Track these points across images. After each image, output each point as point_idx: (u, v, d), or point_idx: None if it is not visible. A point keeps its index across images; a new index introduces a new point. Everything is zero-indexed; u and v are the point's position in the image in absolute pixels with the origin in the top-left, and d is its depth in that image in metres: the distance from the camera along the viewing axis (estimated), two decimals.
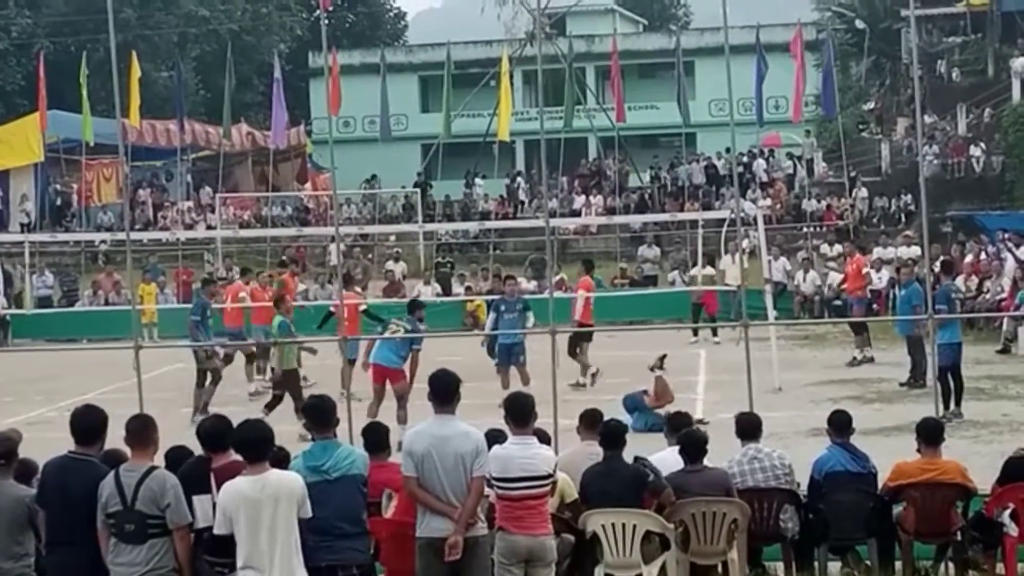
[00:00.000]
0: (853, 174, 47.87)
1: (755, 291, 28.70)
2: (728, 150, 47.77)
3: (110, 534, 9.23)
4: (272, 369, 21.25)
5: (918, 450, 12.07)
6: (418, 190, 52.62)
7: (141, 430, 9.49)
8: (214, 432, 9.86)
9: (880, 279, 32.38)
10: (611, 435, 11.64)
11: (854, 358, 26.54)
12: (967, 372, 20.98)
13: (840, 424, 12.43)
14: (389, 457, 11.25)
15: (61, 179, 51.27)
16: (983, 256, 32.77)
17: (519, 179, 57.45)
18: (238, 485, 9.02)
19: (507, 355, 22.58)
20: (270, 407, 19.86)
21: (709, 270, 32.77)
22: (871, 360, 26.33)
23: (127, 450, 10.32)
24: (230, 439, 9.54)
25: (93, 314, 35.04)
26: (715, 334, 30.61)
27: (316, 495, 9.52)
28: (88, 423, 9.64)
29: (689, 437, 11.89)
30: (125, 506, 9.15)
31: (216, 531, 9.01)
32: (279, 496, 9.01)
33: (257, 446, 9.14)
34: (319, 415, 10.25)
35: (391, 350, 19.50)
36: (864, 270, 29.02)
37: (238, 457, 9.40)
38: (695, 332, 30.78)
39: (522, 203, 54.43)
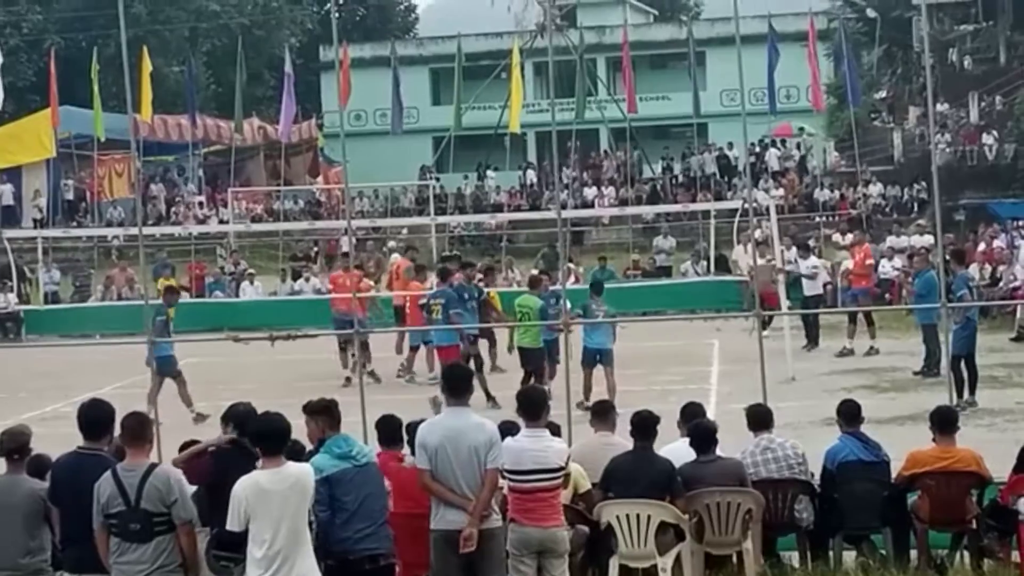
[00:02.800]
0: (863, 167, 47.69)
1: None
2: (742, 143, 47.68)
3: (111, 534, 9.21)
4: None
5: (933, 439, 12.05)
6: (430, 183, 52.60)
7: (137, 428, 9.46)
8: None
9: (893, 268, 32.32)
10: (644, 426, 11.60)
11: (844, 348, 26.47)
12: (981, 360, 20.94)
13: (849, 414, 12.41)
14: (401, 449, 11.27)
15: (73, 175, 51.34)
16: (996, 244, 32.72)
17: (530, 171, 57.45)
18: (256, 478, 9.01)
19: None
20: None
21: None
22: (875, 351, 26.24)
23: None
24: (251, 431, 9.55)
25: (106, 309, 35.11)
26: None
27: (349, 481, 9.68)
28: (96, 417, 9.63)
29: (698, 428, 11.89)
30: (129, 506, 9.12)
31: (229, 527, 8.97)
32: (295, 489, 9.00)
33: (274, 439, 9.13)
34: (331, 412, 10.40)
35: (452, 333, 21.46)
36: (868, 260, 28.92)
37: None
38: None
39: (534, 191, 54.39)
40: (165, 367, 21.00)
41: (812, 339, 27.46)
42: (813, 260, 28.91)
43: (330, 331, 24.95)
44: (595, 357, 21.20)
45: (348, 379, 23.48)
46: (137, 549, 9.16)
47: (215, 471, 10.08)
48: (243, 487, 8.98)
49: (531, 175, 57.03)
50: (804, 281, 28.27)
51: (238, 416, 10.40)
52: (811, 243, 37.76)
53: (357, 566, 9.62)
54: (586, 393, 20.24)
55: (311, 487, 9.17)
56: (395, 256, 39.90)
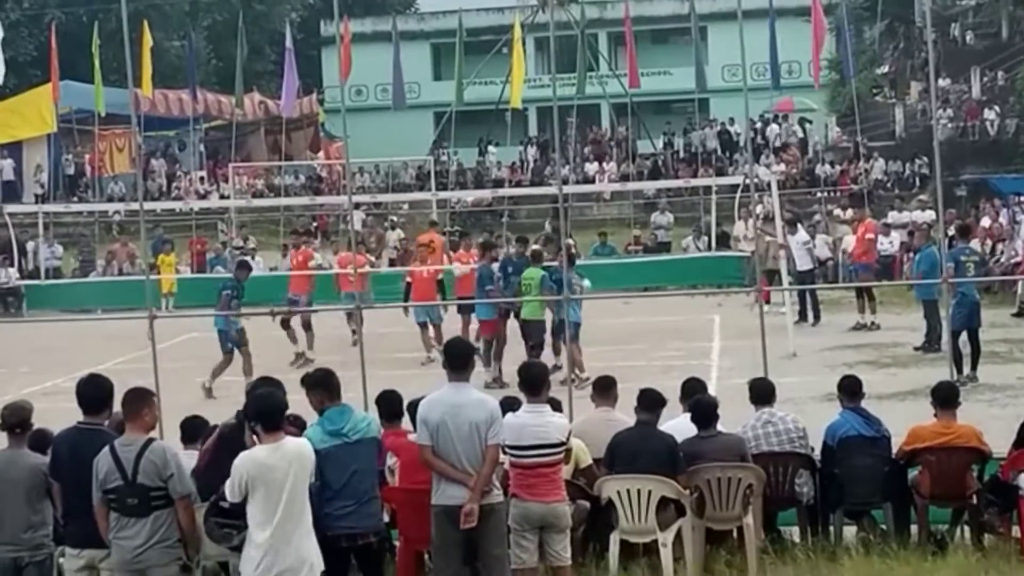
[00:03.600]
0: (864, 142, 47.60)
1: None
2: (744, 118, 47.63)
3: (110, 509, 9.24)
4: None
5: (934, 414, 12.06)
6: (431, 158, 52.53)
7: (134, 402, 9.48)
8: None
9: (892, 243, 32.30)
10: (650, 401, 11.61)
11: (858, 323, 26.47)
12: (982, 336, 20.94)
13: (850, 389, 12.42)
14: (400, 424, 11.27)
15: (74, 150, 51.29)
16: (998, 219, 32.70)
17: (531, 147, 57.38)
18: (255, 453, 9.01)
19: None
20: None
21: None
22: (872, 327, 26.22)
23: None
24: (248, 409, 9.55)
25: (108, 284, 35.14)
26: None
27: (336, 458, 9.56)
28: (94, 392, 9.66)
29: (699, 404, 11.90)
30: (126, 481, 9.15)
31: (230, 498, 8.99)
32: (294, 463, 9.00)
33: (272, 416, 9.14)
34: (328, 384, 10.15)
35: (493, 308, 22.24)
36: (869, 235, 28.89)
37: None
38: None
39: (536, 166, 54.33)
40: (231, 340, 21.53)
41: (803, 315, 27.24)
42: (802, 235, 28.80)
43: (334, 306, 24.97)
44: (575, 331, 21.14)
45: (299, 355, 23.66)
46: (135, 524, 9.19)
47: (218, 448, 10.09)
48: (243, 461, 8.99)
49: (532, 151, 56.91)
50: (796, 256, 28.19)
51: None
52: (815, 218, 37.84)
53: (334, 543, 9.59)
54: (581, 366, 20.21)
55: (311, 461, 9.17)
56: (396, 232, 40.02)
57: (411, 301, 24.46)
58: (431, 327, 24.32)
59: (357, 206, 41.58)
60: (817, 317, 27.40)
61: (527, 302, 21.54)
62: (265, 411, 9.19)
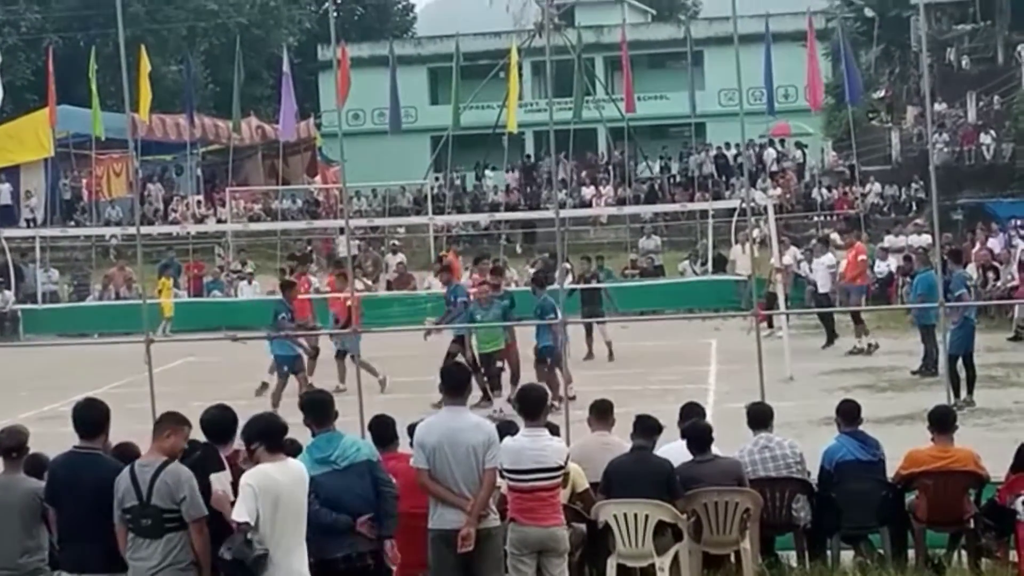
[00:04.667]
0: (854, 163, 47.65)
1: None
2: (739, 143, 47.72)
3: (127, 529, 9.23)
4: None
5: (932, 439, 12.06)
6: (427, 182, 52.57)
7: (161, 423, 9.51)
8: (221, 423, 9.88)
9: (888, 266, 32.31)
10: (646, 427, 11.61)
11: (855, 347, 26.51)
12: (979, 360, 20.95)
13: (848, 413, 12.41)
14: (397, 448, 11.25)
15: (71, 174, 51.32)
16: (993, 244, 32.70)
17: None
18: (267, 470, 9.06)
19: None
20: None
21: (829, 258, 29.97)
22: (871, 350, 26.24)
23: (138, 443, 10.34)
24: (242, 431, 9.55)
25: (104, 308, 35.16)
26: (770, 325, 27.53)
27: (325, 486, 9.50)
28: (90, 416, 9.64)
29: (693, 428, 11.89)
30: (141, 501, 9.13)
31: (241, 519, 8.93)
32: (299, 482, 9.14)
33: (275, 436, 9.22)
34: (319, 409, 10.08)
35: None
36: (861, 257, 28.92)
37: (240, 447, 9.46)
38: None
39: (531, 192, 54.35)
40: (288, 364, 21.46)
41: (830, 337, 27.35)
42: (829, 257, 28.87)
43: (326, 331, 24.91)
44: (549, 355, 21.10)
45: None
46: (149, 545, 9.16)
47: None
48: (252, 477, 9.02)
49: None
50: (818, 278, 28.34)
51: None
52: (812, 243, 37.81)
53: (331, 567, 9.57)
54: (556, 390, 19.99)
55: (307, 481, 9.27)
56: (397, 256, 40.00)
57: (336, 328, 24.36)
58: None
59: (342, 231, 41.57)
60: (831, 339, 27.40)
61: (485, 335, 21.38)
62: (268, 431, 9.25)
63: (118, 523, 9.24)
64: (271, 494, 8.95)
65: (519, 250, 41.88)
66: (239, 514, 8.96)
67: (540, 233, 45.00)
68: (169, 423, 9.54)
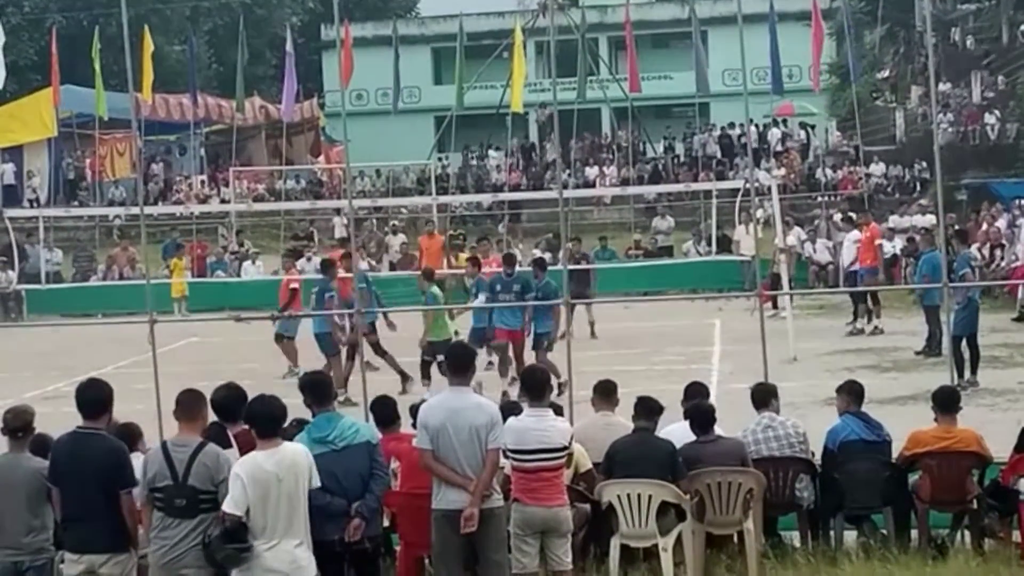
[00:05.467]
0: (863, 145, 47.59)
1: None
2: (743, 123, 47.64)
3: (155, 508, 9.23)
4: None
5: (935, 419, 12.06)
6: (431, 162, 52.53)
7: (191, 403, 9.53)
8: (230, 402, 9.92)
9: (893, 247, 32.29)
10: (647, 409, 11.61)
11: (854, 325, 26.48)
12: (983, 340, 20.94)
13: (852, 392, 12.41)
14: (399, 428, 11.26)
15: (74, 154, 51.29)
16: (999, 224, 32.66)
17: (532, 151, 57.39)
18: (255, 458, 9.03)
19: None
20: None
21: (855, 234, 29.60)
22: (880, 331, 26.24)
23: (141, 423, 10.35)
24: (243, 412, 9.55)
25: (108, 289, 35.19)
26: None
27: (323, 466, 9.47)
28: (93, 396, 9.68)
29: (696, 409, 11.89)
30: (176, 481, 9.14)
31: (231, 511, 8.92)
32: (292, 468, 9.06)
33: (271, 422, 9.17)
34: (318, 389, 10.11)
35: (511, 314, 20.73)
36: (877, 241, 28.87)
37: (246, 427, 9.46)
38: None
39: (535, 168, 54.32)
40: (323, 344, 21.31)
41: (861, 313, 27.01)
42: (855, 233, 28.79)
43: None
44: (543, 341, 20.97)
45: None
46: (180, 524, 9.18)
47: None
48: (240, 467, 9.00)
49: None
50: (845, 254, 28.37)
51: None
52: (816, 223, 37.81)
53: (329, 548, 9.58)
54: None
55: (307, 465, 9.19)
56: (399, 237, 39.95)
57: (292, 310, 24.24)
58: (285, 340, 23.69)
59: (339, 212, 41.63)
60: (869, 316, 26.96)
61: (434, 323, 20.91)
62: (262, 416, 9.21)
63: (144, 501, 9.25)
64: (260, 483, 8.92)
65: (520, 232, 41.80)
66: (227, 505, 8.97)
67: (540, 213, 44.90)
68: (199, 402, 9.58)
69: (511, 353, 20.89)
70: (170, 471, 9.16)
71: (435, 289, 22.19)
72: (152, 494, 9.22)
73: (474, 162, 56.66)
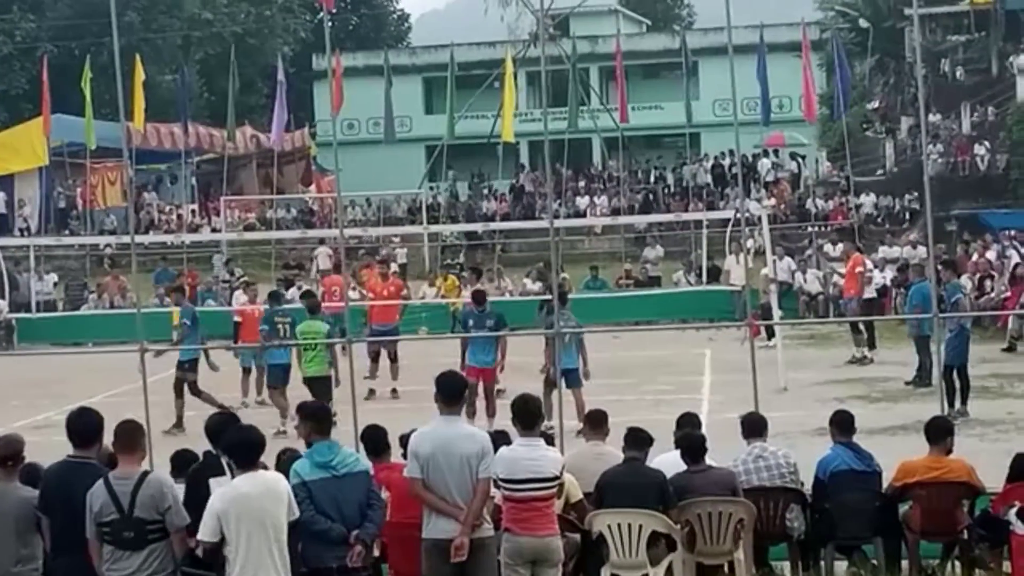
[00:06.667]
0: (847, 174, 47.72)
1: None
2: (731, 152, 47.82)
3: (104, 543, 9.21)
4: None
5: (930, 450, 12.05)
6: (422, 191, 52.60)
7: (130, 435, 9.45)
8: (223, 429, 9.94)
9: (884, 278, 32.32)
10: (638, 438, 11.61)
11: (853, 356, 26.53)
12: (973, 371, 20.97)
13: (843, 423, 12.42)
14: (390, 458, 11.26)
15: (65, 183, 51.30)
16: (988, 255, 32.69)
17: (522, 178, 57.47)
18: (236, 484, 9.04)
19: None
20: None
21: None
22: (869, 360, 26.28)
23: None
24: (225, 442, 9.55)
25: (99, 317, 35.13)
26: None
27: (323, 491, 9.49)
28: (84, 426, 9.65)
29: (687, 438, 11.89)
30: (122, 514, 9.12)
31: (203, 538, 8.96)
32: (272, 496, 9.07)
33: (248, 451, 9.19)
34: (320, 418, 10.23)
35: (483, 352, 20.33)
36: (858, 269, 28.92)
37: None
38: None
39: (527, 197, 54.37)
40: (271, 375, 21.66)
41: (859, 343, 27.04)
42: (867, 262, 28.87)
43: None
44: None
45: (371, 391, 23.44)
46: (130, 557, 9.17)
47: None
48: (220, 495, 9.02)
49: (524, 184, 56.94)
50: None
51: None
52: (807, 253, 37.81)
53: (325, 575, 9.58)
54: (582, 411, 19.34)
55: (286, 494, 9.20)
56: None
57: (240, 342, 24.26)
58: (256, 370, 23.67)
59: (322, 241, 41.69)
60: (871, 343, 27.10)
61: (311, 359, 20.39)
62: (240, 445, 9.25)
63: (92, 537, 9.22)
64: (237, 510, 8.92)
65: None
66: (201, 532, 9.00)
67: (530, 243, 44.97)
68: (137, 433, 9.51)
69: (481, 390, 20.05)
70: (115, 505, 9.12)
71: (319, 324, 21.19)
72: (100, 529, 9.18)
73: (473, 190, 56.69)
